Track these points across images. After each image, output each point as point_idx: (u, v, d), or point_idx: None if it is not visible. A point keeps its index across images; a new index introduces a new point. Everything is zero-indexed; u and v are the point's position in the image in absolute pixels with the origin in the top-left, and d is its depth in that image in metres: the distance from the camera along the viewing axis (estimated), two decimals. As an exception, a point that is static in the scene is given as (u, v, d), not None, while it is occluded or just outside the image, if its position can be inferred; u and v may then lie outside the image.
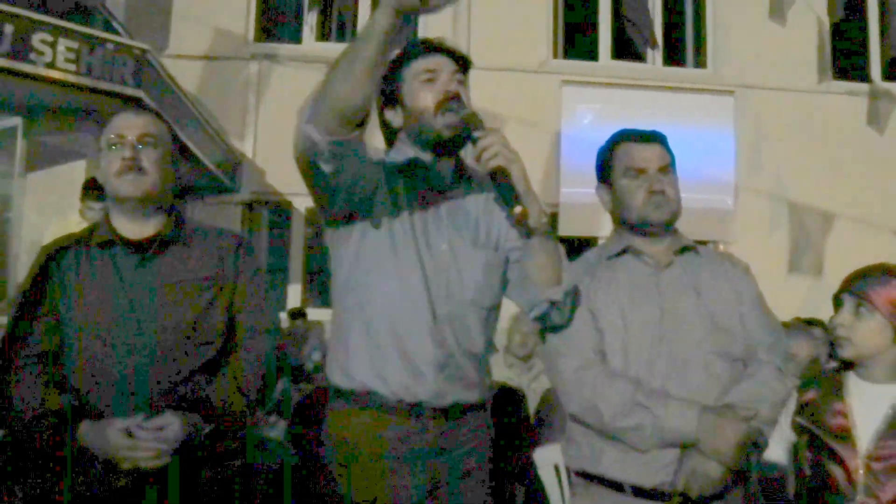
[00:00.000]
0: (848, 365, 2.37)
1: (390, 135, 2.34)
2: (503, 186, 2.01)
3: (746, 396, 2.28)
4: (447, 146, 2.19)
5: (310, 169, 2.03)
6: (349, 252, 2.22)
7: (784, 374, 2.38)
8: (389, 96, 2.27)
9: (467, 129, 2.08)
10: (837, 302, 2.36)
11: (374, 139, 2.40)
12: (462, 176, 2.31)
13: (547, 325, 2.29)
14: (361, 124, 1.96)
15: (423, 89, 2.19)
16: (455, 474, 2.20)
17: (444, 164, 2.26)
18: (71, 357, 2.26)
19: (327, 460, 2.21)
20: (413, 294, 2.16)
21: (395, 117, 2.28)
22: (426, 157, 2.24)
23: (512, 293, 2.27)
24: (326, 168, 1.99)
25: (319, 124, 1.92)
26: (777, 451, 2.38)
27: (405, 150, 2.26)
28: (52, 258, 2.32)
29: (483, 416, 2.30)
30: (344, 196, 2.13)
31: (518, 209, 2.00)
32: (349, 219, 2.20)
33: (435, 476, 2.17)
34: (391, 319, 2.16)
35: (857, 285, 2.31)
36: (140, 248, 2.32)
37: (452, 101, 2.13)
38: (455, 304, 2.18)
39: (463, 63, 2.26)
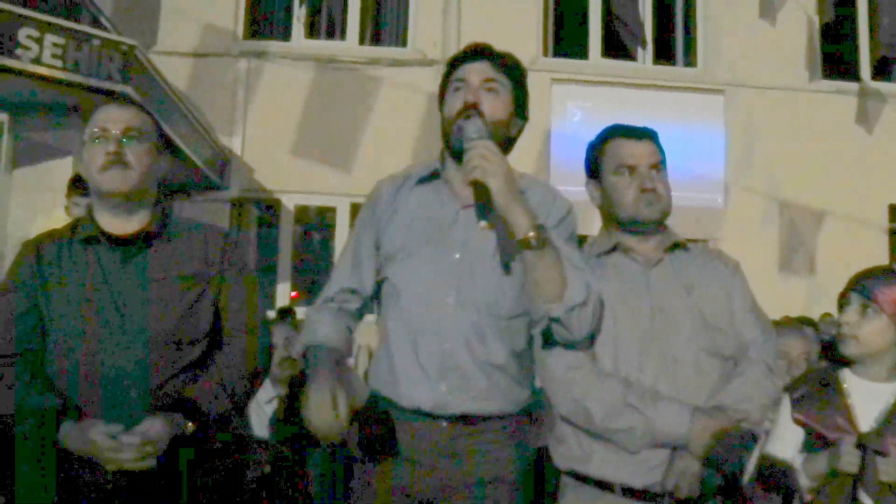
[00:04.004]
0: (841, 362, 2.37)
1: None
2: (477, 198, 2.07)
3: (737, 397, 2.27)
4: (458, 154, 2.19)
5: None
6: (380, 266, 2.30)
7: (774, 373, 2.37)
8: (441, 106, 2.33)
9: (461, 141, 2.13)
10: (843, 300, 2.35)
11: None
12: (484, 201, 2.28)
13: (558, 342, 2.22)
14: None
15: (452, 98, 2.26)
16: (468, 480, 2.17)
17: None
18: (54, 356, 2.22)
19: (355, 458, 2.27)
20: (420, 303, 2.18)
21: (440, 122, 2.34)
22: (453, 166, 2.27)
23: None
24: None
25: None
26: (785, 446, 2.37)
27: (436, 162, 2.33)
28: (35, 254, 2.28)
29: (510, 425, 2.23)
30: None
31: (482, 223, 2.12)
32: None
33: (444, 480, 2.16)
34: (401, 328, 2.20)
35: (865, 285, 2.31)
36: (124, 244, 2.28)
37: (469, 110, 2.17)
38: (467, 312, 2.17)
39: (506, 66, 2.28)
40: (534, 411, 2.34)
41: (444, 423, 2.16)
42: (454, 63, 2.31)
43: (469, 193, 2.19)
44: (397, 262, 2.23)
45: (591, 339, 2.27)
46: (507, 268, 2.19)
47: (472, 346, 2.16)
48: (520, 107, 2.30)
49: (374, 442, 2.20)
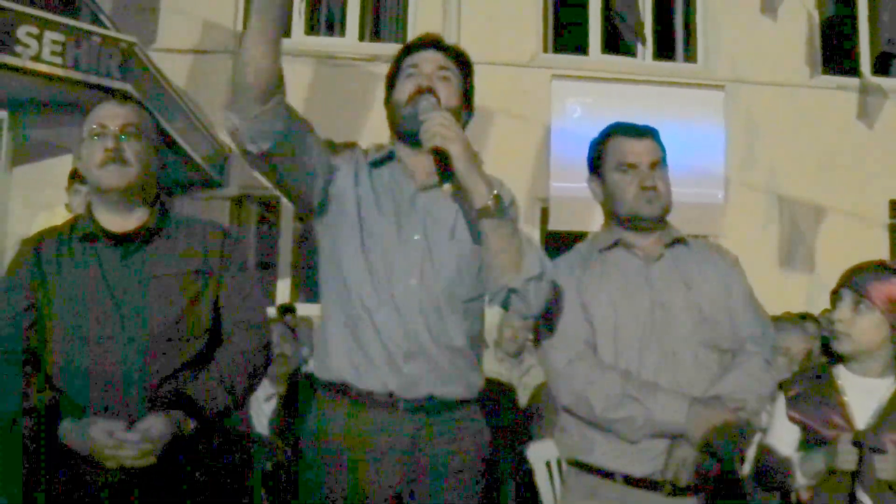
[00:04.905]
0: (836, 359, 2.37)
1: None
2: (439, 164, 2.06)
3: (734, 387, 2.30)
4: (412, 137, 2.18)
5: (243, 156, 2.07)
6: (326, 245, 2.25)
7: (771, 365, 2.40)
8: (388, 93, 2.32)
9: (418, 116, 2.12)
10: (836, 297, 2.35)
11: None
12: (444, 170, 2.27)
13: (524, 315, 2.24)
14: (275, 96, 2.03)
15: (403, 83, 2.25)
16: (434, 472, 2.17)
17: (424, 158, 2.22)
18: (53, 353, 2.21)
19: (306, 452, 2.21)
20: (382, 284, 2.15)
21: (388, 112, 2.33)
22: (406, 150, 2.27)
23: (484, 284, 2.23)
24: (252, 148, 2.02)
25: (236, 108, 2.00)
26: (782, 444, 2.37)
27: (389, 145, 2.31)
28: (34, 252, 2.27)
29: (470, 414, 2.26)
30: (289, 177, 2.15)
31: (445, 186, 2.09)
32: (318, 208, 2.23)
33: (411, 471, 2.15)
34: (362, 310, 2.16)
35: (857, 281, 2.30)
36: (124, 241, 2.27)
37: (423, 93, 2.17)
38: (428, 294, 2.16)
39: (457, 58, 2.30)
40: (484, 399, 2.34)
41: (407, 415, 2.14)
42: (406, 51, 2.32)
43: (425, 174, 2.22)
44: (354, 240, 2.19)
45: (547, 317, 2.31)
46: (463, 251, 2.19)
47: (434, 329, 2.16)
48: (468, 99, 2.32)
49: (332, 436, 2.16)
